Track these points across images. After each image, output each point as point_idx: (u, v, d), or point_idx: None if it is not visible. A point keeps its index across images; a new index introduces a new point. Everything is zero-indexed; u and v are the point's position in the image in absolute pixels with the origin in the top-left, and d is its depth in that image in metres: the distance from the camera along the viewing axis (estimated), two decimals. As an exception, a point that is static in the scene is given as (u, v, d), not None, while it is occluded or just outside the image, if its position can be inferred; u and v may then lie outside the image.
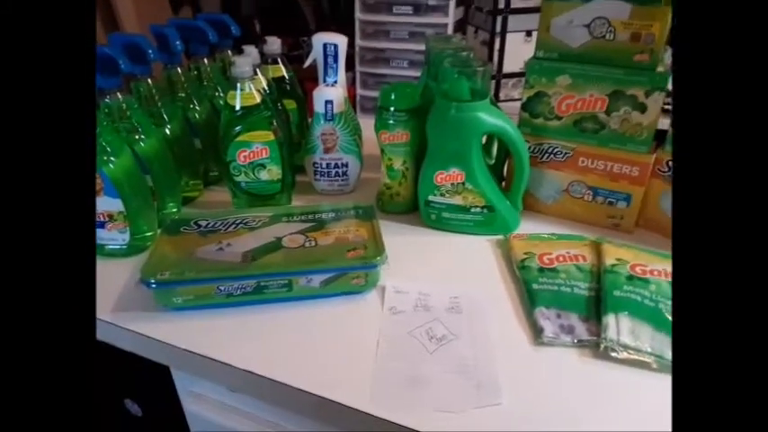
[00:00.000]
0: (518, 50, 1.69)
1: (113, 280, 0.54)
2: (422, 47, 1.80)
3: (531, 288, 0.51)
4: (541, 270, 0.53)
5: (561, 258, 0.55)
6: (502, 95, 1.78)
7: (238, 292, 0.50)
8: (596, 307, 0.49)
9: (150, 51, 0.60)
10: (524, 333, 0.47)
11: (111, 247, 0.58)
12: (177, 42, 0.65)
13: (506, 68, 1.74)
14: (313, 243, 0.53)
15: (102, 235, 0.57)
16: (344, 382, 0.42)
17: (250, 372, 0.43)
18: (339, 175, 0.72)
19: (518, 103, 0.63)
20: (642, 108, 0.56)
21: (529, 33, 1.67)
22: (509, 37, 1.68)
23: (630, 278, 0.50)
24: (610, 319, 0.46)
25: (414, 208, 0.66)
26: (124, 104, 0.58)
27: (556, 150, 0.62)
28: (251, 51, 0.68)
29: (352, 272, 0.51)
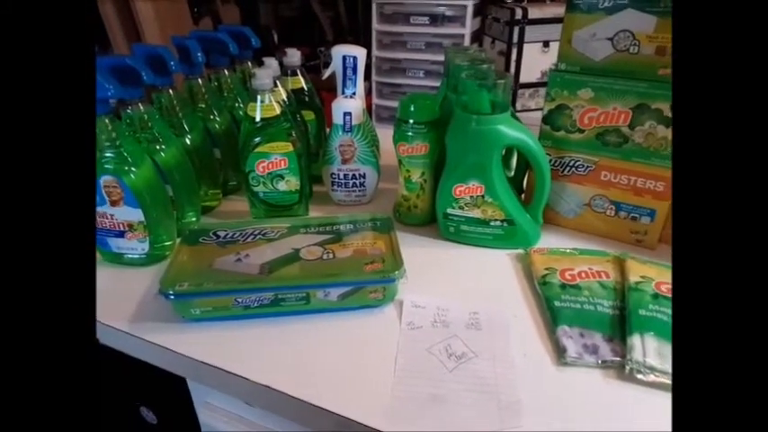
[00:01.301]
0: (535, 61, 1.69)
1: (132, 289, 0.55)
2: (438, 57, 1.81)
3: (553, 305, 0.50)
4: (563, 286, 0.52)
5: (584, 275, 0.54)
6: (518, 106, 1.77)
7: (256, 304, 0.49)
8: (621, 326, 0.47)
9: (172, 63, 0.61)
10: (546, 352, 0.46)
11: (130, 256, 0.59)
12: (199, 54, 0.66)
13: (523, 79, 1.73)
14: (331, 255, 0.53)
15: (122, 244, 0.58)
16: (363, 400, 0.41)
17: (268, 387, 0.43)
18: (356, 186, 0.72)
19: (535, 114, 0.63)
20: (667, 122, 0.55)
21: (546, 44, 1.67)
22: (526, 47, 1.67)
23: (656, 296, 0.49)
24: (635, 340, 0.45)
25: (431, 220, 0.66)
26: (146, 115, 0.58)
27: (578, 164, 0.61)
28: (271, 63, 0.68)
29: (370, 286, 0.50)
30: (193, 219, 0.65)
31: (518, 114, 0.63)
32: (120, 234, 0.57)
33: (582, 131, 0.59)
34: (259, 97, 0.60)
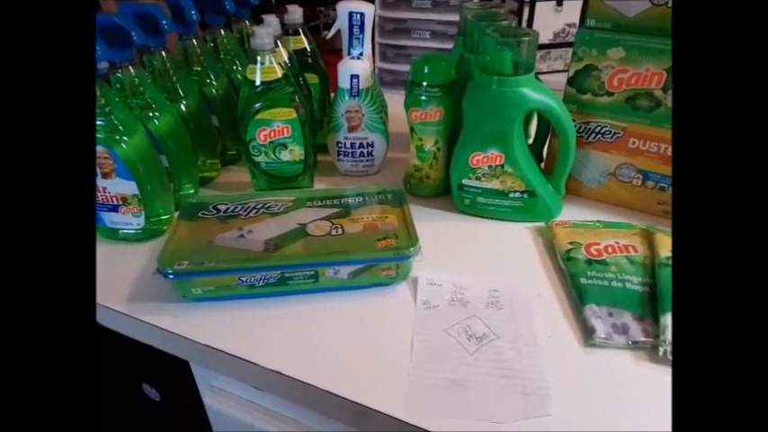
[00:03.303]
0: (547, 20, 1.60)
1: (128, 267, 0.51)
2: (445, 17, 1.72)
3: (580, 283, 0.47)
4: (589, 262, 0.49)
5: (610, 249, 0.50)
6: (528, 69, 1.69)
7: (261, 283, 0.46)
8: (652, 304, 0.44)
9: (164, 22, 0.56)
10: (573, 333, 0.43)
11: (125, 231, 0.55)
12: (192, 12, 0.61)
13: (534, 40, 1.65)
14: (340, 231, 0.49)
15: (116, 219, 0.54)
16: (377, 385, 0.39)
17: (278, 372, 0.40)
18: (364, 156, 0.68)
19: (546, 77, 0.58)
20: (706, 83, 0.50)
21: (560, 2, 1.58)
22: (538, 6, 1.58)
23: (689, 273, 0.45)
24: (668, 320, 0.41)
25: (444, 192, 0.62)
26: (137, 79, 0.54)
27: (604, 130, 0.57)
28: (271, 21, 0.63)
29: (383, 263, 0.47)
30: (191, 191, 0.62)
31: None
32: (114, 208, 0.53)
33: (610, 95, 0.55)
34: (259, 58, 0.55)
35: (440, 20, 1.68)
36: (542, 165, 0.63)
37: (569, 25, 1.74)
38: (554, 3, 1.60)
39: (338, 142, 0.67)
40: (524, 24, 1.62)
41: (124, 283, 0.49)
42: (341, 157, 0.68)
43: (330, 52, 0.93)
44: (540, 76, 0.55)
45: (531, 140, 0.63)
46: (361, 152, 0.67)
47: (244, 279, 0.46)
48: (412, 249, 0.46)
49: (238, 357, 0.41)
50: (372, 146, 0.67)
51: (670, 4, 0.49)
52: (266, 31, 0.55)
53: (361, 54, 0.65)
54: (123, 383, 0.71)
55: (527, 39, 0.50)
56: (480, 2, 0.72)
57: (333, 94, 0.67)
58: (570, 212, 0.58)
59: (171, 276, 0.44)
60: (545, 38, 1.66)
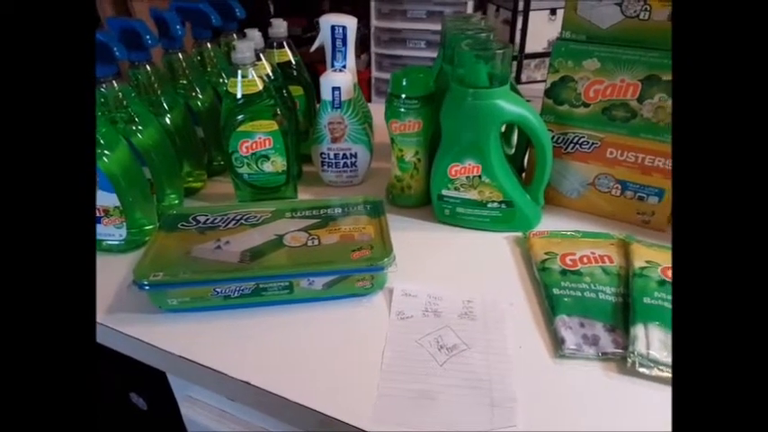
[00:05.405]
0: (541, 30, 1.62)
1: (109, 277, 0.52)
2: (440, 27, 1.74)
3: (552, 293, 0.47)
4: (564, 273, 0.49)
5: (586, 259, 0.50)
6: (524, 77, 1.70)
7: (236, 294, 0.47)
8: (624, 315, 0.44)
9: (148, 37, 0.57)
10: (544, 344, 0.43)
11: (108, 242, 0.56)
12: (177, 26, 0.62)
13: (529, 48, 1.66)
14: (316, 242, 0.50)
15: (100, 230, 0.55)
16: (348, 397, 0.39)
17: (247, 383, 0.40)
18: (347, 166, 0.68)
19: (540, 86, 0.58)
20: (680, 94, 0.50)
21: (553, 12, 1.59)
22: (532, 15, 1.60)
23: (662, 283, 0.45)
24: (638, 330, 0.42)
25: (426, 202, 0.62)
26: (120, 93, 0.55)
27: (582, 140, 0.57)
28: (253, 35, 0.64)
29: (357, 274, 0.47)
30: (175, 201, 0.62)
31: (524, 86, 0.59)
32: (97, 220, 0.54)
33: (587, 105, 0.55)
34: (240, 72, 0.56)
35: (434, 29, 1.70)
36: (524, 175, 0.63)
37: (564, 34, 1.75)
38: (548, 12, 1.62)
39: (322, 153, 0.67)
40: (518, 33, 1.64)
41: (105, 294, 0.50)
42: (325, 167, 0.69)
43: (322, 62, 0.94)
44: (535, 85, 0.55)
45: (512, 151, 0.64)
46: (345, 163, 0.68)
47: (219, 290, 0.46)
48: (386, 260, 0.47)
49: (209, 368, 0.42)
50: (356, 157, 0.67)
51: (642, 17, 0.50)
52: (246, 45, 0.56)
53: (344, 67, 0.66)
54: (111, 392, 0.72)
55: (502, 51, 0.51)
56: (473, 12, 0.73)
57: (318, 105, 0.68)
58: (550, 223, 0.59)
59: (146, 287, 0.45)
60: (539, 47, 1.68)
